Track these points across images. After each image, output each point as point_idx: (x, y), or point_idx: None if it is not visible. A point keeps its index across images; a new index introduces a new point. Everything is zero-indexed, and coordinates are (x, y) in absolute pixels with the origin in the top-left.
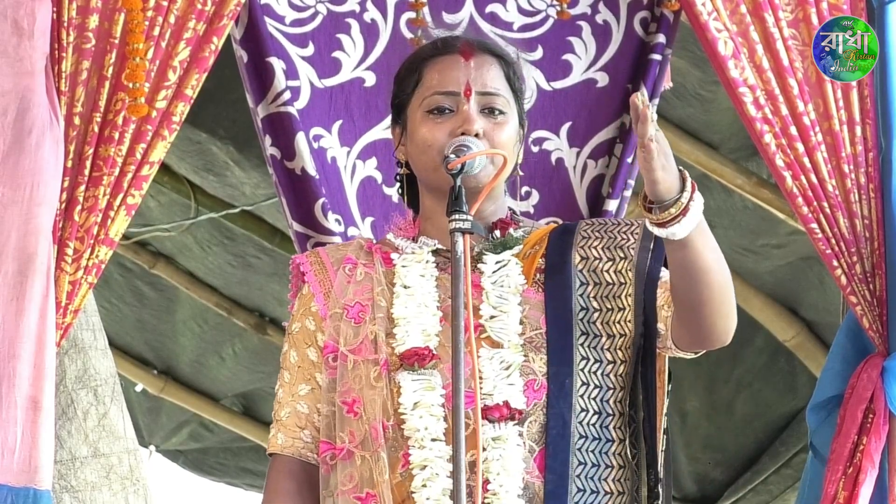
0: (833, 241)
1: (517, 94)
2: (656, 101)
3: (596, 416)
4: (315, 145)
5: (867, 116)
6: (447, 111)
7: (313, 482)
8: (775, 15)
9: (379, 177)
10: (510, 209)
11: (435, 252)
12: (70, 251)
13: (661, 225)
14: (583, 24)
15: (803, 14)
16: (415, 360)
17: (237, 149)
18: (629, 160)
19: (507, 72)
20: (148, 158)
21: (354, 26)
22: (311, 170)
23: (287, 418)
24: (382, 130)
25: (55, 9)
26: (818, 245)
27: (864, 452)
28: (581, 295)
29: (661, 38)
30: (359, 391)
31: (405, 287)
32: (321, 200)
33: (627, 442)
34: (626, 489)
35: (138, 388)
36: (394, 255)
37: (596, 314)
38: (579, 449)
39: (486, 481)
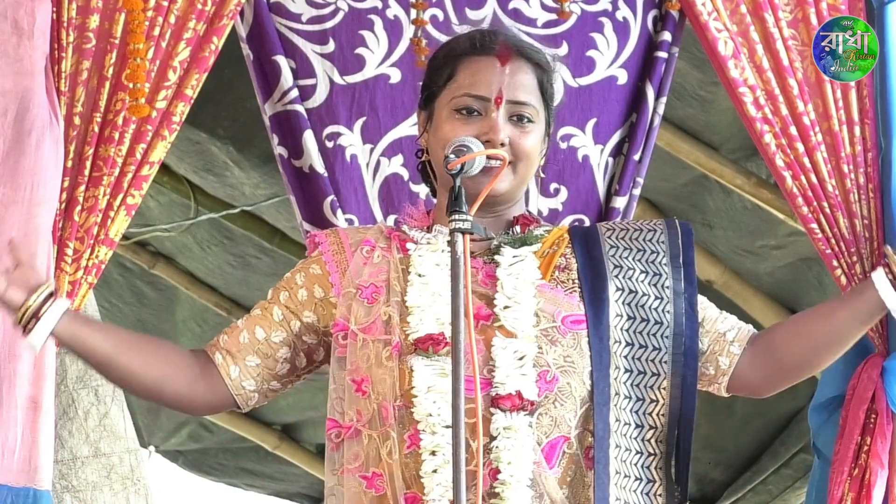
0: (833, 241)
1: (548, 100)
2: (664, 99)
3: (627, 427)
4: (329, 144)
5: (866, 116)
6: (475, 113)
7: (202, 368)
8: (775, 15)
9: (406, 174)
10: (528, 210)
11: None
12: (70, 251)
13: None
14: (604, 20)
15: (803, 14)
16: (429, 344)
17: (237, 149)
18: (636, 157)
19: (541, 78)
20: (148, 158)
21: (378, 23)
22: (319, 168)
23: (229, 328)
24: (409, 127)
25: (55, 9)
26: (818, 245)
27: (871, 453)
28: (616, 301)
29: (667, 36)
30: (367, 370)
31: (419, 276)
32: (329, 198)
33: (662, 457)
34: (661, 477)
35: None
36: (409, 245)
37: (627, 322)
38: (615, 458)
39: (497, 470)
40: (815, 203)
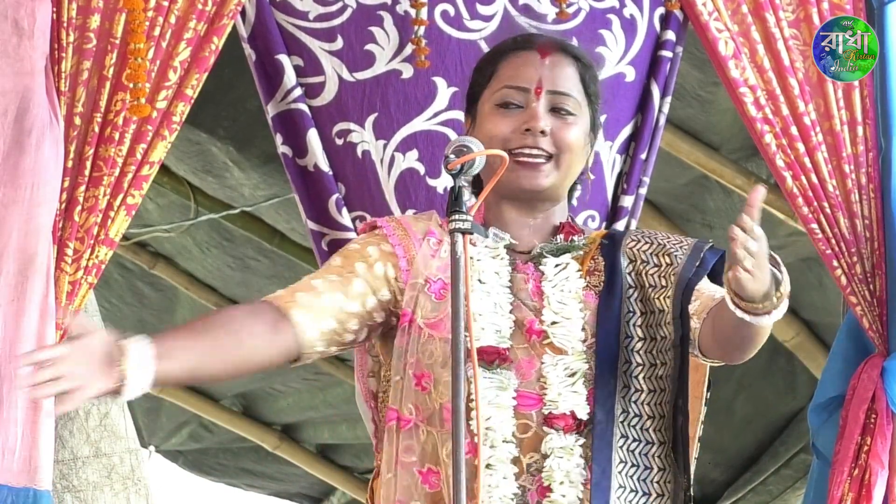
0: (833, 241)
1: (591, 98)
2: (668, 98)
3: (637, 419)
4: (339, 141)
5: (868, 116)
6: (515, 106)
7: (274, 326)
8: (776, 15)
9: (422, 168)
10: (570, 216)
11: (506, 247)
12: (70, 251)
13: (746, 311)
14: (612, 17)
15: (804, 14)
16: (495, 357)
17: (237, 149)
18: (642, 156)
19: (583, 74)
20: (148, 158)
21: (387, 19)
22: (324, 166)
23: (299, 285)
24: (423, 122)
25: (55, 9)
26: (818, 245)
27: (871, 454)
28: (629, 298)
29: (670, 35)
30: (428, 366)
31: (481, 282)
32: (335, 196)
33: (669, 445)
34: (666, 491)
35: None
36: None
37: (640, 318)
38: (620, 447)
39: (548, 488)
40: (815, 203)
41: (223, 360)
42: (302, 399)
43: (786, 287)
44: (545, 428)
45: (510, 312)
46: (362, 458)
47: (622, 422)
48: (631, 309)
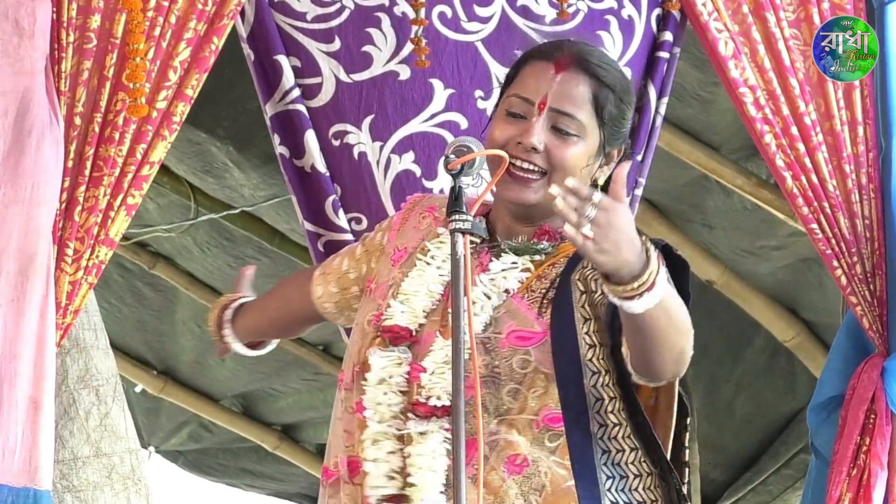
0: (833, 241)
1: (603, 120)
2: (665, 99)
3: (603, 429)
4: (336, 142)
5: (868, 116)
6: (520, 116)
7: (300, 285)
8: (776, 15)
9: (418, 170)
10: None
11: (485, 240)
12: (70, 251)
13: (615, 294)
14: (610, 18)
15: (805, 14)
16: (389, 336)
17: (237, 149)
18: (638, 158)
19: (598, 95)
20: (148, 159)
21: (385, 20)
22: (321, 167)
23: (336, 254)
24: (419, 124)
25: (55, 9)
26: (818, 245)
27: (870, 454)
28: (583, 306)
29: (668, 36)
30: (356, 325)
31: (427, 263)
32: (331, 198)
33: (641, 450)
34: (647, 498)
35: (138, 388)
36: (440, 229)
37: (594, 324)
38: (604, 464)
39: (409, 474)
40: (815, 203)
41: (268, 319)
42: (302, 399)
43: (652, 273)
44: (409, 414)
45: (441, 295)
46: None
47: (601, 437)
48: (586, 316)
